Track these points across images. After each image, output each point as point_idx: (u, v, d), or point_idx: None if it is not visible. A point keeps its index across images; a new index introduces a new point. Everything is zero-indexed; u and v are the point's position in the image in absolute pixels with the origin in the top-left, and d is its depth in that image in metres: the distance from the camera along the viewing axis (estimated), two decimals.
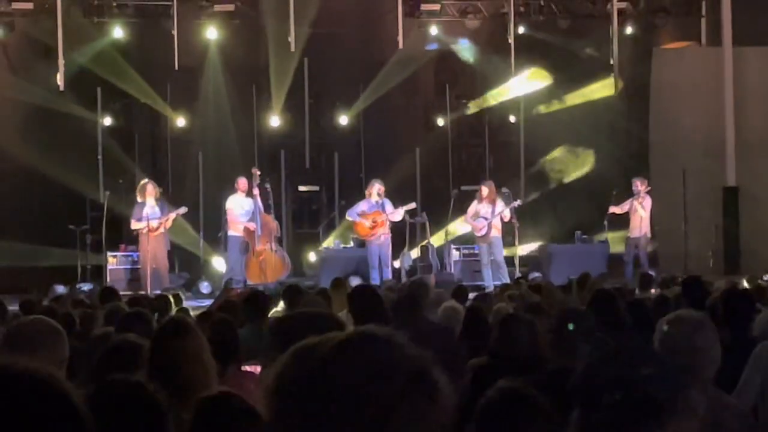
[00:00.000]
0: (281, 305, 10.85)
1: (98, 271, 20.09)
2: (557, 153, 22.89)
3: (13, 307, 13.02)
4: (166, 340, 4.68)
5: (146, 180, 19.58)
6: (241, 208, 19.66)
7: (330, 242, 21.84)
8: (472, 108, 23.47)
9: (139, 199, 19.21)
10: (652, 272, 17.07)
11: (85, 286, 18.37)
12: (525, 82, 23.06)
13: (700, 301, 9.24)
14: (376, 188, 19.62)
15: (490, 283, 19.05)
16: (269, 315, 9.63)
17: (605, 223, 20.64)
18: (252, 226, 19.51)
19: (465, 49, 23.01)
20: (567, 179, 22.66)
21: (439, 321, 9.49)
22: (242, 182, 19.63)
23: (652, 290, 13.10)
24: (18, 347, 4.34)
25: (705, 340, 5.00)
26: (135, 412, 3.36)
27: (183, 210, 19.75)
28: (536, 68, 22.89)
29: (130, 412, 3.33)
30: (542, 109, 23.21)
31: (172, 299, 12.27)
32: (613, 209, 20.46)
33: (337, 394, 2.00)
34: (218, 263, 20.96)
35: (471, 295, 13.01)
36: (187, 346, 4.64)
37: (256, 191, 19.48)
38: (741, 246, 22.07)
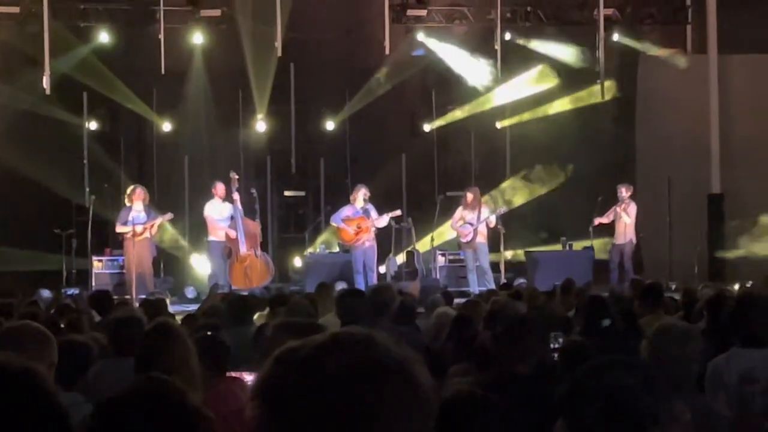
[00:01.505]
0: (267, 310, 10.86)
1: (84, 276, 20.03)
2: (541, 161, 22.88)
3: None
4: (152, 345, 4.68)
5: (136, 185, 19.55)
6: (219, 213, 19.60)
7: (316, 247, 21.84)
8: (458, 114, 23.47)
9: (127, 203, 19.19)
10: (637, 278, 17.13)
11: (71, 291, 18.35)
12: (511, 88, 23.08)
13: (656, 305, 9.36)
14: (362, 193, 19.57)
15: (475, 288, 19.06)
16: (254, 320, 9.65)
17: (590, 229, 20.66)
18: (232, 233, 19.45)
19: (451, 55, 23.02)
20: (551, 186, 22.65)
21: (432, 325, 9.56)
22: (220, 187, 19.58)
23: None
24: (7, 350, 4.33)
25: (693, 350, 5.03)
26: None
27: (169, 216, 19.76)
28: (543, 66, 22.87)
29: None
30: (528, 115, 23.23)
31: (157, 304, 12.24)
32: (598, 220, 20.48)
33: (320, 396, 2.00)
34: (203, 268, 20.93)
35: (459, 301, 13.05)
36: (174, 351, 4.64)
37: (236, 196, 19.43)
38: (725, 253, 22.12)
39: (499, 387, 4.99)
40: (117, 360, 6.30)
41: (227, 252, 19.61)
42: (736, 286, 15.16)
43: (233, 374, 6.35)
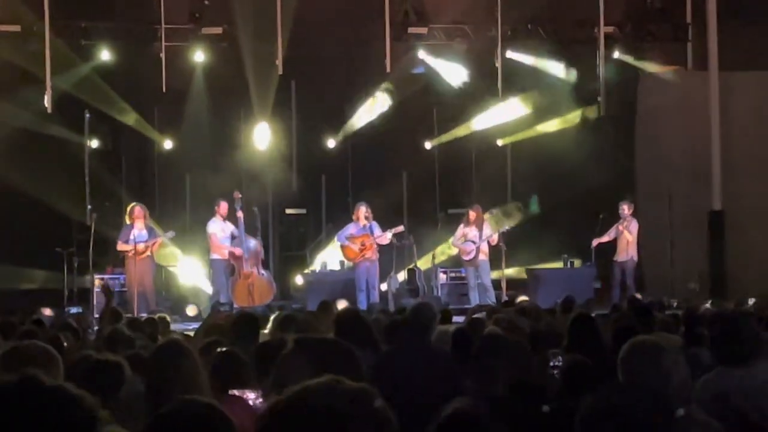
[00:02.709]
0: (268, 328, 10.85)
1: (85, 294, 20.02)
2: (542, 178, 22.87)
3: None
4: (163, 362, 4.68)
5: (135, 203, 19.56)
6: (222, 232, 19.66)
7: (317, 265, 21.83)
8: (460, 132, 23.48)
9: (127, 221, 19.21)
10: (638, 296, 17.13)
11: (74, 309, 18.34)
12: (512, 106, 23.10)
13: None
14: (363, 211, 19.65)
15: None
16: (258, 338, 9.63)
17: (592, 247, 20.67)
18: (238, 251, 19.51)
19: (452, 73, 23.06)
20: (553, 203, 22.64)
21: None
22: (223, 206, 19.65)
23: None
24: (13, 371, 4.33)
25: (668, 365, 5.02)
26: None
27: (170, 235, 19.81)
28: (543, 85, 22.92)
29: None
30: (529, 133, 23.24)
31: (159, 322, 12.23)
32: (597, 241, 20.48)
33: None
34: (205, 286, 20.93)
35: (458, 319, 13.05)
36: (183, 368, 4.64)
37: (240, 214, 19.48)
38: (727, 270, 22.12)
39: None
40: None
41: (230, 270, 19.63)
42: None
43: (236, 392, 6.33)
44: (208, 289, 20.56)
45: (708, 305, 15.30)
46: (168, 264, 21.35)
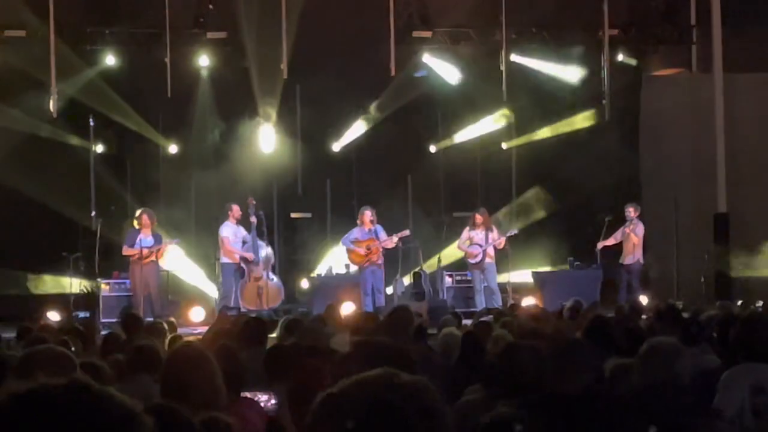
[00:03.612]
0: (276, 332, 10.88)
1: (91, 299, 20.01)
2: (547, 181, 22.87)
3: (7, 335, 13.05)
4: (177, 366, 4.69)
5: (143, 209, 19.55)
6: (235, 236, 19.71)
7: (322, 269, 21.84)
8: (464, 135, 23.48)
9: (136, 226, 19.23)
10: (644, 298, 17.15)
11: (82, 314, 18.36)
12: (518, 109, 23.11)
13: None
14: (368, 215, 19.68)
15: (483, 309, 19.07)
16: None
17: (597, 250, 20.66)
18: (250, 255, 19.56)
19: (456, 76, 23.07)
20: (558, 207, 22.64)
21: (439, 345, 9.57)
22: (236, 209, 19.70)
23: (643, 317, 13.14)
24: (32, 375, 4.34)
25: (682, 368, 5.04)
26: None
27: (175, 241, 19.86)
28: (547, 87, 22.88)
29: None
30: (533, 136, 23.24)
31: (166, 326, 12.25)
32: (602, 244, 20.46)
33: None
34: (211, 290, 20.94)
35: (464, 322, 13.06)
36: (198, 372, 4.65)
37: (253, 219, 19.56)
38: (732, 272, 22.11)
39: (545, 408, 4.98)
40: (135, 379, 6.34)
41: (240, 273, 19.65)
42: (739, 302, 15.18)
43: (248, 395, 6.36)
44: (214, 293, 20.57)
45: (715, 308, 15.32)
46: (173, 268, 21.35)
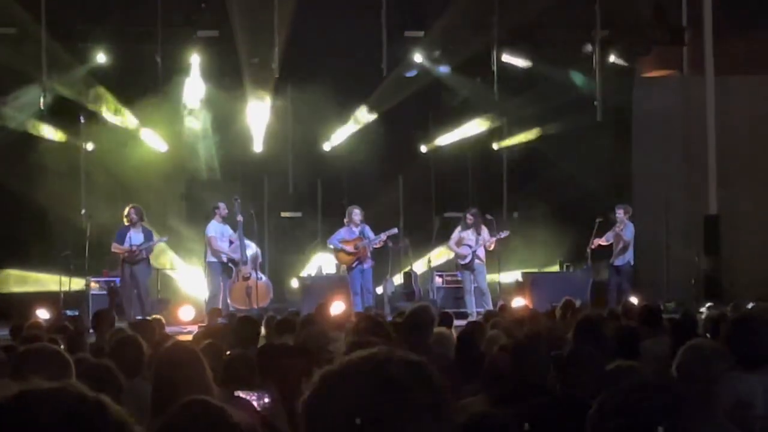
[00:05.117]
0: (265, 332, 10.85)
1: (81, 297, 19.96)
2: (538, 182, 22.86)
3: None
4: (169, 365, 4.66)
5: (131, 205, 19.47)
6: (221, 234, 19.64)
7: (312, 269, 21.81)
8: (455, 135, 23.46)
9: (126, 223, 19.15)
10: (634, 299, 17.11)
11: (71, 312, 18.30)
12: (508, 109, 23.11)
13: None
14: (355, 215, 19.63)
15: (473, 309, 19.08)
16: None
17: (588, 251, 20.65)
18: (236, 255, 19.50)
19: (447, 77, 23.07)
20: (549, 207, 22.61)
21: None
22: (223, 207, 19.63)
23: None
24: (27, 373, 4.30)
25: (718, 370, 5.01)
26: None
27: (165, 239, 19.82)
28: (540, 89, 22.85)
29: None
30: (525, 137, 23.24)
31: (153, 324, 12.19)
32: (597, 242, 20.42)
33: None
34: (200, 289, 20.89)
35: (457, 323, 13.03)
36: (190, 371, 4.62)
37: (240, 218, 19.48)
38: (722, 274, 22.13)
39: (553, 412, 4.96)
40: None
41: (228, 272, 19.60)
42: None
43: (241, 394, 6.33)
44: (204, 292, 20.51)
45: (705, 309, 15.35)
46: (163, 267, 21.31)
